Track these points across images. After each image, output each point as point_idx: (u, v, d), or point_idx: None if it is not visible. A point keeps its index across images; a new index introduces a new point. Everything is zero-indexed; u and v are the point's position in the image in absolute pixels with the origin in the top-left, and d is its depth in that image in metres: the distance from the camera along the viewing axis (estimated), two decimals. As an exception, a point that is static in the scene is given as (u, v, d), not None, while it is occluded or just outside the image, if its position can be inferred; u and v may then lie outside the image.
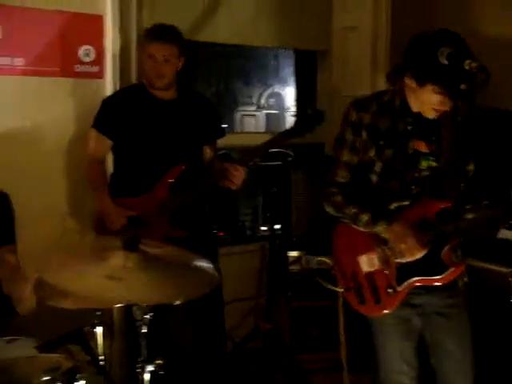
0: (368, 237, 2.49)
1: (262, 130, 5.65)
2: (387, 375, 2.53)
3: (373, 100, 2.50)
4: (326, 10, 4.54)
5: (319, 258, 3.88)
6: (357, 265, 2.53)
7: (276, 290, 3.98)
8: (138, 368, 2.13)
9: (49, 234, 3.28)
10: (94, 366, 2.32)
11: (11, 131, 3.28)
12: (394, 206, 2.46)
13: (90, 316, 2.37)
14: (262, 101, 5.73)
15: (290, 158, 4.28)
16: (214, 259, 3.32)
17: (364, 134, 2.46)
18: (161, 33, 3.17)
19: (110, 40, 3.53)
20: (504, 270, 3.08)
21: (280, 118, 5.82)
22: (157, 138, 3.21)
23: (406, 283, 2.43)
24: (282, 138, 3.21)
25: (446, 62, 2.21)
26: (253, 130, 5.63)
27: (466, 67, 2.17)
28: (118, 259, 2.04)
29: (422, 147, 2.47)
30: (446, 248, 2.40)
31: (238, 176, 3.14)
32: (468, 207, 2.40)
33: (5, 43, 3.27)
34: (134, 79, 3.55)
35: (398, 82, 2.44)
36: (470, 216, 2.39)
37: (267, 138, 3.21)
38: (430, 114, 2.39)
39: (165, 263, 2.14)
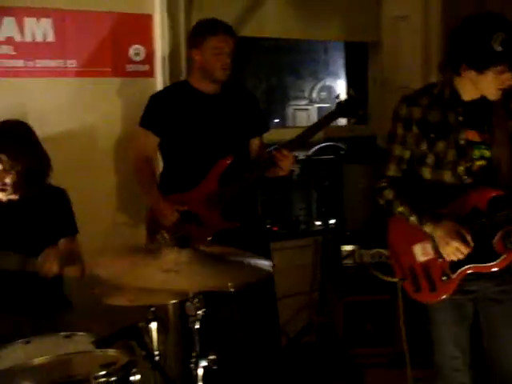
0: None
1: (314, 123, 5.61)
2: (442, 360, 2.62)
3: (422, 94, 2.55)
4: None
5: (375, 250, 3.85)
6: (412, 254, 2.59)
7: (329, 285, 3.96)
8: (191, 363, 2.14)
9: (100, 230, 3.35)
10: (148, 361, 2.34)
11: (65, 131, 3.35)
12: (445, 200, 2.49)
13: (145, 312, 2.40)
14: (314, 94, 5.69)
15: (342, 152, 4.26)
16: (266, 253, 3.33)
17: (415, 129, 2.52)
18: (224, 26, 3.19)
19: (160, 39, 3.57)
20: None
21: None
22: (203, 133, 3.23)
23: (459, 271, 2.46)
24: (326, 120, 3.20)
25: (500, 49, 2.25)
26: (305, 124, 5.60)
27: None
28: (172, 255, 2.06)
29: (474, 137, 2.47)
30: (498, 235, 2.41)
31: (285, 160, 3.14)
32: None
33: (58, 46, 3.34)
34: (183, 77, 3.58)
35: (447, 72, 2.46)
36: None
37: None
38: (495, 95, 2.41)
39: (217, 257, 2.16)
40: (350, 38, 4.69)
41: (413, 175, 2.57)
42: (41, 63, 3.31)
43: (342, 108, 3.16)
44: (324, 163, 4.20)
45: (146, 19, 3.55)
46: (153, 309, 2.40)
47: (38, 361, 2.16)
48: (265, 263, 2.22)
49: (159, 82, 3.56)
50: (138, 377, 2.14)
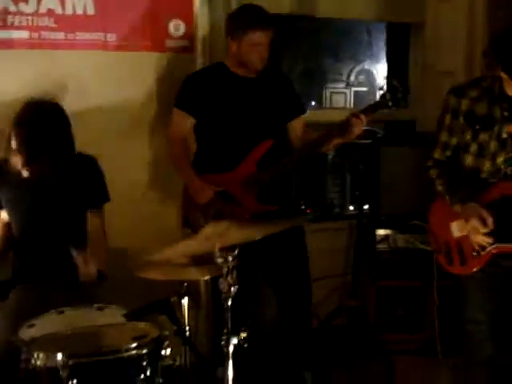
0: None
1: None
2: (469, 326, 2.83)
3: (471, 86, 2.75)
4: (420, -21, 4.38)
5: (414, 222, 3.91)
6: (449, 230, 2.81)
7: (363, 269, 3.93)
8: (222, 340, 2.13)
9: (132, 206, 3.36)
10: (179, 336, 2.35)
11: (104, 104, 3.36)
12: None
13: (177, 287, 2.41)
14: (352, 78, 5.63)
15: (379, 135, 4.20)
16: (300, 235, 3.32)
17: (461, 119, 2.73)
18: (262, 19, 3.16)
19: (199, 14, 3.54)
20: None
21: (369, 95, 5.71)
22: (240, 115, 3.21)
23: (489, 248, 2.69)
24: (372, 109, 3.16)
25: None
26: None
27: None
28: (209, 228, 2.07)
29: None
30: None
31: (359, 125, 3.09)
32: None
33: (98, 20, 3.35)
34: (222, 53, 3.56)
35: (495, 68, 2.60)
36: None
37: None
38: None
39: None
40: (393, 19, 4.58)
41: (456, 161, 2.80)
42: (81, 36, 3.33)
43: (386, 100, 3.12)
44: (360, 147, 4.15)
45: (186, -6, 3.53)
46: (185, 284, 2.40)
47: (70, 331, 2.18)
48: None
49: (199, 57, 3.55)
50: (168, 351, 2.15)
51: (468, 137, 2.73)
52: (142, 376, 2.06)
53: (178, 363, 2.26)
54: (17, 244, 2.93)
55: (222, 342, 2.13)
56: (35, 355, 2.04)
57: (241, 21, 3.18)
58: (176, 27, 3.51)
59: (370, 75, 5.69)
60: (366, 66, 5.64)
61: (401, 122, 4.33)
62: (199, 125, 3.28)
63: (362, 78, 5.68)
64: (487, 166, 2.71)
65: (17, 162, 2.68)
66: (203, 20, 3.56)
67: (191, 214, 3.21)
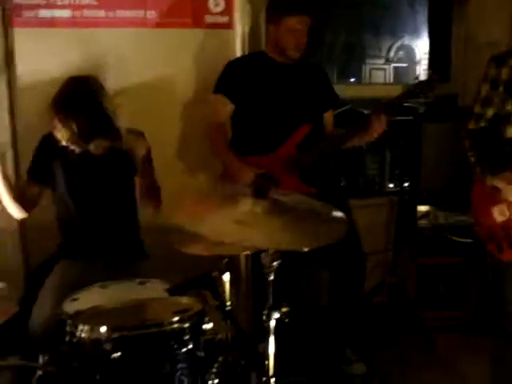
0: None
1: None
2: (510, 307, 2.68)
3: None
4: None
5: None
6: (492, 216, 2.67)
7: (403, 245, 3.91)
8: (263, 315, 2.13)
9: (170, 181, 3.38)
10: (220, 311, 2.37)
11: (144, 81, 3.37)
12: None
13: (218, 262, 2.41)
14: (391, 54, 5.55)
15: (421, 110, 4.14)
16: (346, 211, 3.30)
17: (501, 89, 2.62)
18: (300, 5, 3.14)
19: (239, -11, 3.51)
20: None
21: (409, 71, 5.63)
22: (279, 101, 3.22)
23: None
24: (404, 96, 3.15)
25: None
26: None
27: None
28: (247, 205, 2.04)
29: None
30: None
31: (381, 126, 3.10)
32: None
33: (138, -4, 3.34)
34: (262, 30, 3.54)
35: None
36: None
37: (395, 89, 3.22)
38: None
39: (293, 210, 2.12)
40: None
41: (495, 133, 2.67)
42: (121, 13, 3.33)
43: (420, 87, 3.09)
44: (400, 123, 4.10)
45: (225, -32, 3.51)
46: (226, 259, 2.40)
47: (113, 304, 2.22)
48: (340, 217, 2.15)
49: (238, 34, 3.52)
50: (210, 325, 2.17)
51: (509, 107, 2.61)
52: (184, 349, 2.09)
53: (219, 337, 2.28)
54: (62, 219, 2.97)
55: (264, 317, 2.13)
56: (80, 328, 2.09)
57: (279, 5, 3.18)
58: (216, 3, 3.49)
59: (410, 51, 5.60)
60: (406, 41, 5.55)
61: (443, 96, 4.26)
62: (237, 111, 3.27)
63: (401, 53, 5.59)
64: None
65: (62, 136, 2.70)
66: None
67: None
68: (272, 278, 2.10)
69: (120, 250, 2.86)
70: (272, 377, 2.16)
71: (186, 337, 2.09)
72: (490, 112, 2.67)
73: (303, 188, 3.13)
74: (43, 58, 3.22)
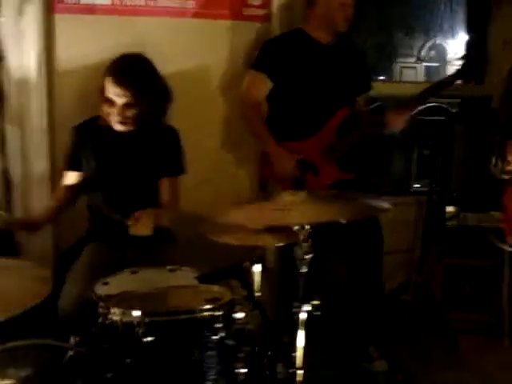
0: None
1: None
2: None
3: None
4: None
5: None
6: None
7: (431, 245, 3.89)
8: (294, 307, 2.14)
9: (206, 169, 3.41)
10: (249, 301, 2.37)
11: (182, 71, 3.38)
12: None
13: (249, 252, 2.42)
14: (423, 53, 5.52)
15: (454, 110, 4.12)
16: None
17: None
18: None
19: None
20: None
21: (440, 71, 5.60)
22: (319, 82, 3.20)
23: None
24: (447, 82, 3.13)
25: None
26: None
27: None
28: (287, 197, 2.06)
29: None
30: None
31: (399, 123, 3.09)
32: None
33: (178, -14, 3.36)
34: (299, 23, 3.53)
35: None
36: None
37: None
38: None
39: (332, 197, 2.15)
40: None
41: None
42: (161, 2, 3.36)
43: (463, 70, 3.06)
44: (431, 123, 4.08)
45: (264, -38, 3.51)
46: (258, 250, 2.42)
47: (144, 290, 2.24)
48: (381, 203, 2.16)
49: (275, 27, 3.53)
50: (241, 314, 2.18)
51: None
52: (215, 337, 2.10)
53: (248, 327, 2.29)
54: (91, 206, 2.99)
55: (294, 309, 2.14)
56: (112, 311, 2.10)
57: None
58: (253, -5, 3.52)
59: (441, 50, 5.57)
60: (438, 40, 5.52)
61: (477, 98, 4.23)
62: (275, 90, 3.24)
63: (433, 53, 5.57)
64: None
65: (108, 115, 2.72)
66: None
67: (269, 181, 3.23)
68: (305, 270, 2.10)
69: (149, 237, 2.86)
70: (299, 369, 2.16)
71: (218, 325, 2.09)
72: None
73: (342, 175, 3.12)
74: (83, 44, 3.25)
